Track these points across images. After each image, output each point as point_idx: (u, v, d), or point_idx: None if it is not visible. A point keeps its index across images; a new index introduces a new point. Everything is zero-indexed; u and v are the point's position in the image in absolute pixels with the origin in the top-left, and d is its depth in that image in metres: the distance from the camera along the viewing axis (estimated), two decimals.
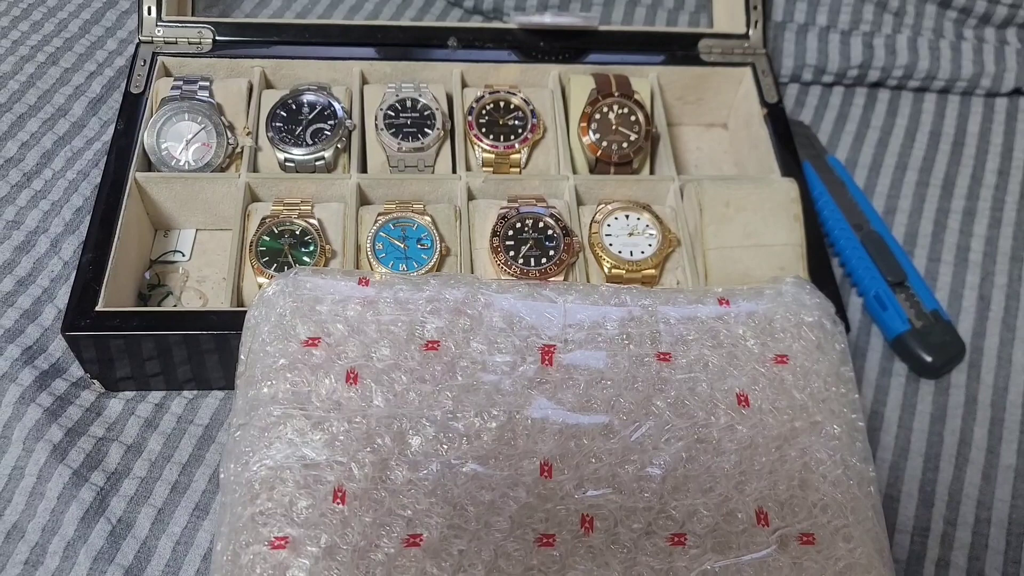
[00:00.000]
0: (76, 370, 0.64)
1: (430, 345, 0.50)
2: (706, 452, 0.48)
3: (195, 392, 0.64)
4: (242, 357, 0.52)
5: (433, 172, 0.71)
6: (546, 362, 0.50)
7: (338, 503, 0.45)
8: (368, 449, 0.47)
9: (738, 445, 0.48)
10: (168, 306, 0.67)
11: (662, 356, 0.51)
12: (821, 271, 0.65)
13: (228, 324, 0.59)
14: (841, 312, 0.61)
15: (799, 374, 0.51)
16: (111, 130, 0.77)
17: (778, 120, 0.73)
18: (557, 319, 0.52)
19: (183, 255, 0.70)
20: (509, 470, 0.47)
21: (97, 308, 0.59)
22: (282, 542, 0.44)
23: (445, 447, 0.47)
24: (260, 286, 0.62)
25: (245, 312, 0.60)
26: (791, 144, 0.72)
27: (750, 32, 0.77)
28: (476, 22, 0.89)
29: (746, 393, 0.50)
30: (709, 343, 0.52)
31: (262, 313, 0.52)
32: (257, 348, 0.51)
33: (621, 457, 0.48)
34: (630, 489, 0.47)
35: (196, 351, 0.61)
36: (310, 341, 0.50)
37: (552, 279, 0.62)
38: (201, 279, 0.69)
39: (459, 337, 0.51)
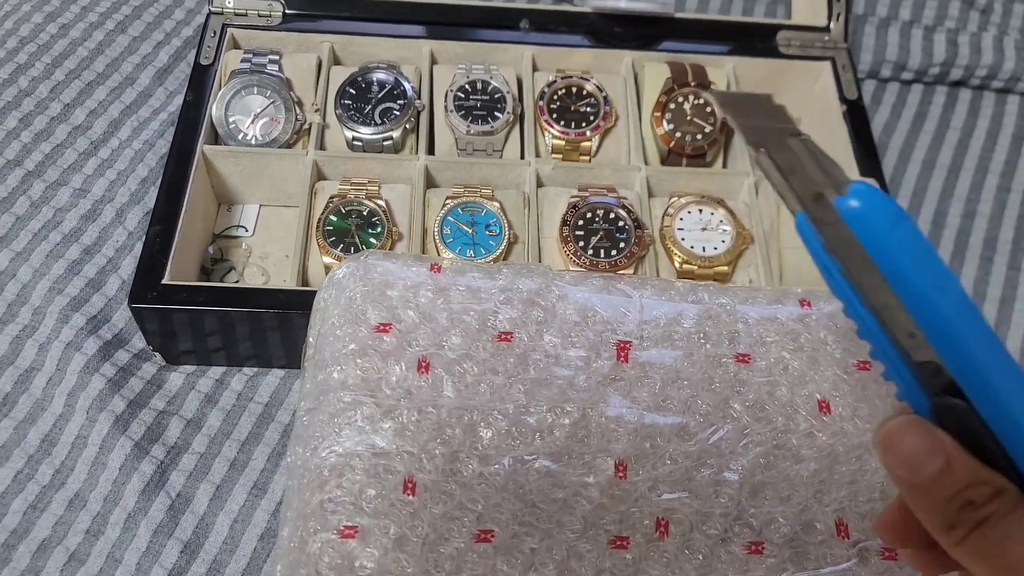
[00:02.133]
0: (138, 341, 0.64)
1: (502, 336, 0.49)
2: (785, 459, 0.47)
3: (255, 369, 0.64)
4: (310, 340, 0.51)
5: (501, 157, 0.69)
6: (621, 359, 0.48)
7: (408, 494, 0.44)
8: (439, 440, 0.46)
9: (818, 453, 0.47)
10: (230, 281, 0.67)
11: (741, 357, 0.49)
12: None
13: (294, 303, 0.59)
14: None
15: (881, 381, 0.49)
16: (176, 101, 0.77)
17: (858, 118, 0.71)
18: (633, 314, 0.50)
19: (246, 230, 0.69)
20: (582, 468, 0.46)
21: (163, 281, 0.59)
22: (351, 531, 0.43)
23: (517, 442, 0.46)
24: (326, 266, 0.62)
25: (311, 292, 0.60)
26: (871, 144, 0.70)
27: (831, 25, 0.75)
28: (549, 4, 0.87)
29: (827, 400, 0.48)
30: (790, 346, 0.50)
31: (332, 296, 0.51)
32: (327, 331, 0.50)
33: (697, 460, 0.46)
34: (706, 494, 0.46)
35: (259, 328, 0.61)
36: (381, 327, 0.48)
37: (622, 272, 0.61)
38: (264, 255, 0.68)
39: (532, 329, 0.49)
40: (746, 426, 0.47)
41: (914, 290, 0.28)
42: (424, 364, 0.47)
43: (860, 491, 0.47)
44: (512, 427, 0.46)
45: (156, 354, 0.63)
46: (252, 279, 0.67)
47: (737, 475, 0.46)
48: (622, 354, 0.49)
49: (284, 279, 0.67)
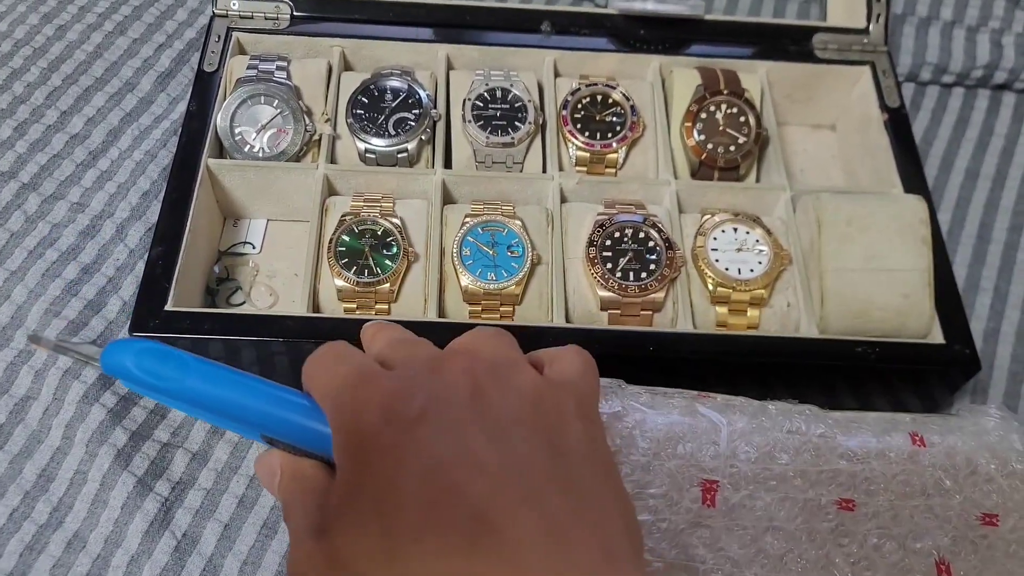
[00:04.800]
0: None
1: None
2: None
3: None
4: None
5: (522, 170, 0.65)
6: (707, 502, 0.43)
7: None
8: None
9: None
10: (236, 302, 0.63)
11: (844, 504, 0.43)
12: (948, 301, 0.59)
13: (304, 331, 0.55)
14: (973, 358, 0.55)
15: (1011, 539, 0.43)
16: (179, 107, 0.73)
17: (901, 127, 0.67)
18: (721, 446, 0.44)
19: (253, 247, 0.66)
20: None
21: (167, 307, 0.56)
22: None
23: None
24: (338, 288, 0.58)
25: (322, 319, 0.57)
26: (915, 155, 0.66)
27: (870, 27, 0.71)
28: (568, 5, 0.83)
29: (947, 560, 0.42)
30: (899, 490, 0.44)
31: None
32: None
33: None
34: None
35: (266, 355, 0.57)
36: None
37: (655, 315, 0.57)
38: (271, 274, 0.65)
39: None
40: None
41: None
42: None
43: None
44: None
45: None
46: (259, 299, 0.64)
47: None
48: (708, 496, 0.43)
49: (293, 299, 0.63)
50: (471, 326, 0.57)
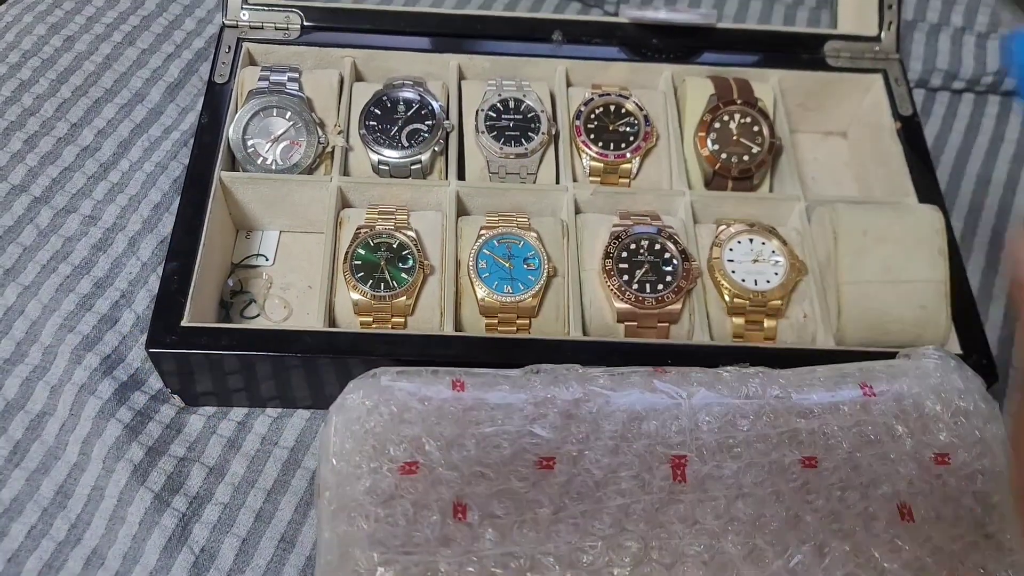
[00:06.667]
0: (155, 382, 0.60)
1: (543, 463, 0.44)
2: None
3: (279, 411, 0.60)
4: (325, 477, 0.44)
5: (535, 181, 0.65)
6: (678, 477, 0.44)
7: None
8: None
9: (904, 568, 0.42)
10: (251, 315, 0.63)
11: (807, 461, 0.45)
12: (965, 312, 0.59)
13: (321, 346, 0.55)
14: (991, 368, 0.56)
15: (963, 475, 0.44)
16: (189, 118, 0.73)
17: (914, 136, 0.67)
18: (684, 420, 0.45)
19: (266, 259, 0.66)
20: None
21: (183, 323, 0.55)
22: None
23: None
24: (354, 302, 0.58)
25: (338, 333, 0.57)
26: (928, 163, 0.66)
27: (882, 35, 0.71)
28: (579, 14, 0.83)
29: (908, 504, 0.44)
30: (856, 441, 0.45)
31: (343, 424, 0.45)
32: (344, 471, 0.44)
33: None
34: None
35: (282, 369, 0.57)
36: (407, 467, 0.43)
37: (663, 325, 0.57)
38: (285, 286, 0.65)
39: (574, 449, 0.44)
40: (824, 543, 0.43)
41: None
42: (460, 508, 0.43)
43: None
44: (567, 571, 0.41)
45: (174, 396, 0.59)
46: (273, 312, 0.63)
47: None
48: (678, 472, 0.44)
49: (308, 312, 0.63)
50: (488, 340, 0.58)
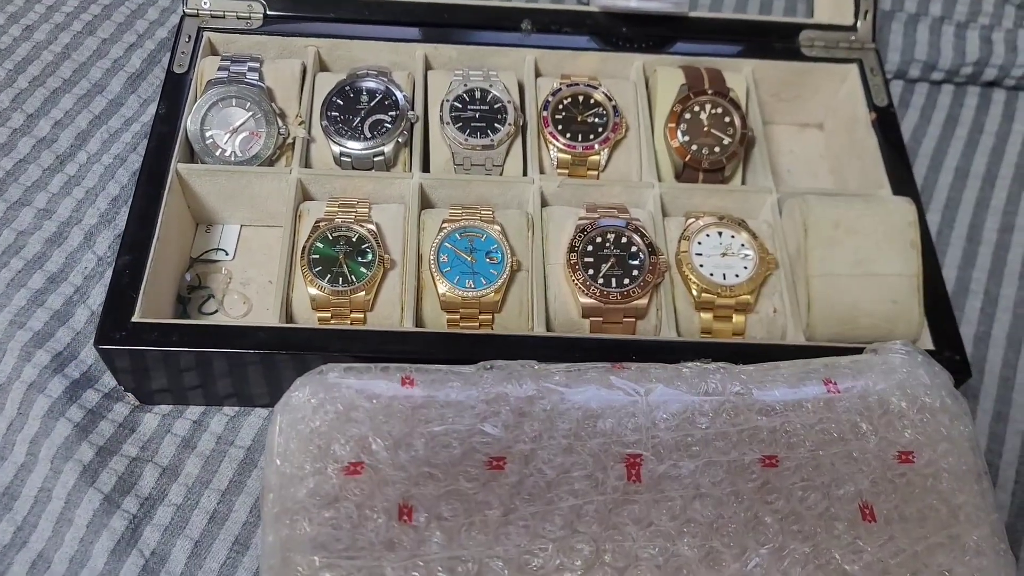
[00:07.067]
0: (109, 380, 0.59)
1: (493, 463, 0.42)
2: None
3: (236, 409, 0.59)
4: (269, 479, 0.43)
5: (502, 173, 0.64)
6: (633, 477, 0.42)
7: None
8: None
9: (866, 570, 0.41)
10: (209, 310, 0.61)
11: (767, 460, 0.43)
12: (938, 306, 0.58)
13: (276, 342, 0.54)
14: (963, 365, 0.54)
15: (927, 474, 0.43)
16: (150, 110, 0.71)
17: (889, 128, 0.65)
18: (640, 418, 0.44)
19: (226, 254, 0.64)
20: None
21: (133, 319, 0.54)
22: None
23: None
24: (311, 297, 0.56)
25: (295, 329, 0.55)
26: (903, 155, 0.64)
27: (858, 24, 0.69)
28: (549, 2, 0.81)
29: (870, 504, 0.42)
30: (818, 439, 0.44)
31: (288, 424, 0.43)
32: (288, 472, 0.42)
33: None
34: None
35: (239, 365, 0.55)
36: (351, 467, 0.42)
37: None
38: (245, 281, 0.63)
39: (526, 448, 0.43)
40: (783, 546, 0.41)
41: None
42: (405, 510, 0.41)
43: None
44: (516, 574, 0.40)
45: (128, 394, 0.58)
46: (232, 308, 0.62)
47: None
48: (633, 471, 0.43)
49: (267, 307, 0.62)
50: (447, 335, 0.56)
